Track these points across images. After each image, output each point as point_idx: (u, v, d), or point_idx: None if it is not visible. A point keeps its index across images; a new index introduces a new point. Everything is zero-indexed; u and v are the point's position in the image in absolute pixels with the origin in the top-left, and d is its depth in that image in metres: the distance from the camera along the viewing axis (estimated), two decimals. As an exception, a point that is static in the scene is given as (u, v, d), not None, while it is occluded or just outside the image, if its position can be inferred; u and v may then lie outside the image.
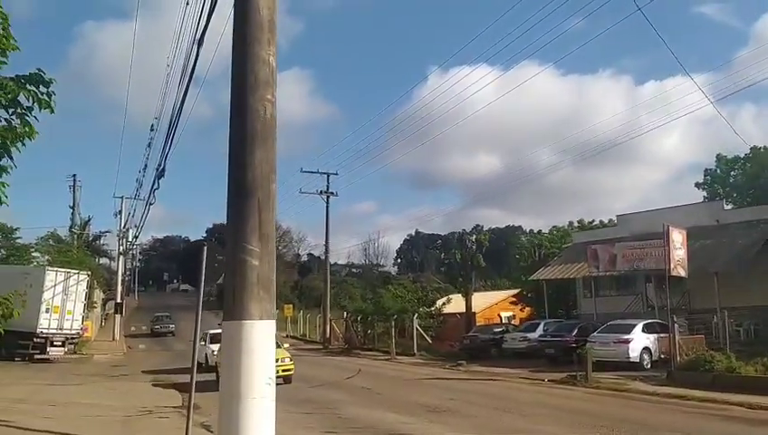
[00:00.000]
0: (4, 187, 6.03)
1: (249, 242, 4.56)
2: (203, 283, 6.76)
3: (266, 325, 4.55)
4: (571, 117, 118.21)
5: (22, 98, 5.62)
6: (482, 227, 46.43)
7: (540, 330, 27.14)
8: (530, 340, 26.56)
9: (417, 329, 32.07)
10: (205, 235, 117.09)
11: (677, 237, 22.96)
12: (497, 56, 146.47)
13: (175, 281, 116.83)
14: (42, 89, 5.66)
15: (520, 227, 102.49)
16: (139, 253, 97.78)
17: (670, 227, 22.42)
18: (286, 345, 21.73)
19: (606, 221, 43.19)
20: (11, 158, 6.05)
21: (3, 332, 9.00)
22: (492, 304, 50.00)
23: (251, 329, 4.46)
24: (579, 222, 43.63)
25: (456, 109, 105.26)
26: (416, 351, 31.22)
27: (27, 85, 5.55)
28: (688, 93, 77.46)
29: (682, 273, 23.02)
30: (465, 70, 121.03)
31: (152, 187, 19.91)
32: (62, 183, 49.43)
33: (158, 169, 16.85)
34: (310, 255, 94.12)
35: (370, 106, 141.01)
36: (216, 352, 19.94)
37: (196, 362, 7.31)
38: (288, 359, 18.70)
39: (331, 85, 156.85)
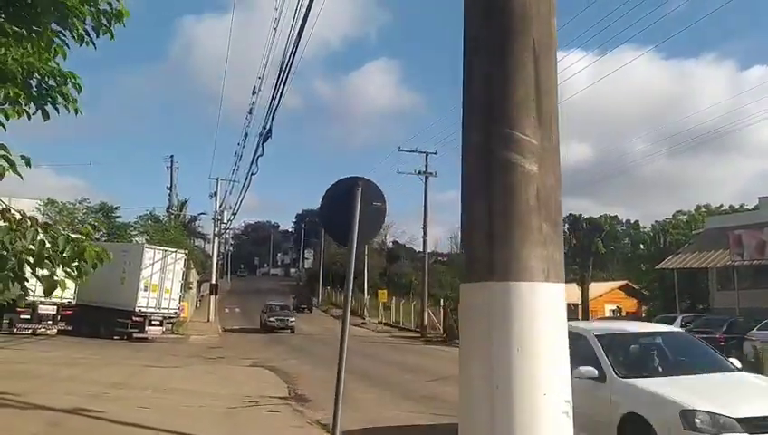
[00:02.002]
0: (76, 80, 4.11)
1: (517, 126, 2.29)
2: (356, 236, 4.64)
3: (555, 292, 2.29)
4: (670, 104, 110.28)
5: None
6: (580, 215, 42.56)
7: (677, 325, 23.75)
8: (666, 336, 23.30)
9: (527, 319, 29.30)
10: (294, 221, 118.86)
11: None
12: (593, 40, 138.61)
13: (265, 265, 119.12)
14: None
15: (616, 216, 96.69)
16: (231, 237, 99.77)
17: None
18: None
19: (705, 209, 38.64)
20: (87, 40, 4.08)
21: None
22: (596, 295, 46.20)
23: (530, 298, 2.20)
24: (705, 207, 39.15)
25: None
26: (526, 343, 28.49)
27: None
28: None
29: None
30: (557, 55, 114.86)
31: (255, 154, 18.26)
32: (161, 167, 49.90)
33: (262, 134, 15.11)
34: (395, 242, 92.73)
35: (457, 94, 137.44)
36: None
37: (344, 356, 5.17)
38: None
39: (419, 74, 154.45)
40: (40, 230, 3.50)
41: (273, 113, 13.27)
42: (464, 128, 2.45)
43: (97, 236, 36.26)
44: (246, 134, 30.07)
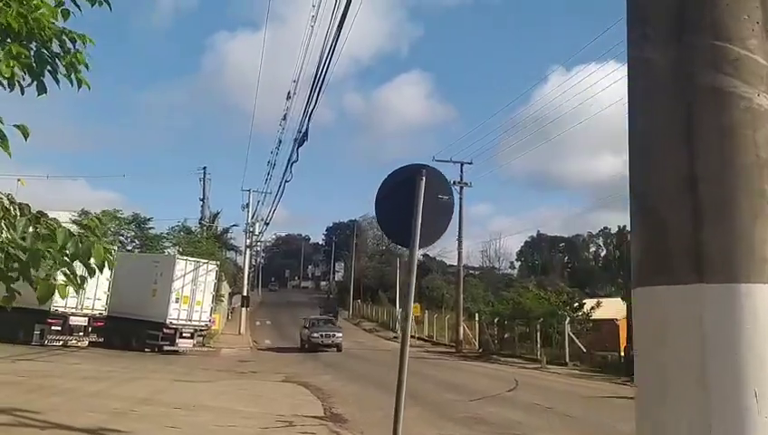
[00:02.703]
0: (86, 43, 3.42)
1: (734, 38, 1.44)
2: (418, 236, 3.82)
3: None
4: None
5: None
6: (609, 229, 40.98)
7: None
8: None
9: (569, 335, 28.09)
10: (325, 233, 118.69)
11: None
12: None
13: (296, 278, 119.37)
14: None
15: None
16: (263, 250, 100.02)
17: None
18: None
19: None
20: None
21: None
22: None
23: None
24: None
25: (579, 108, 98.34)
26: (567, 360, 27.28)
27: None
28: None
29: None
30: (591, 67, 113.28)
31: (289, 160, 17.66)
32: (193, 180, 49.96)
33: (297, 139, 14.46)
34: (425, 255, 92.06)
35: (488, 107, 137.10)
36: None
37: (404, 379, 4.32)
38: None
39: (450, 87, 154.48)
40: (31, 221, 2.77)
41: (310, 115, 12.59)
42: (633, 42, 1.61)
43: (129, 248, 36.24)
44: (280, 141, 29.66)
